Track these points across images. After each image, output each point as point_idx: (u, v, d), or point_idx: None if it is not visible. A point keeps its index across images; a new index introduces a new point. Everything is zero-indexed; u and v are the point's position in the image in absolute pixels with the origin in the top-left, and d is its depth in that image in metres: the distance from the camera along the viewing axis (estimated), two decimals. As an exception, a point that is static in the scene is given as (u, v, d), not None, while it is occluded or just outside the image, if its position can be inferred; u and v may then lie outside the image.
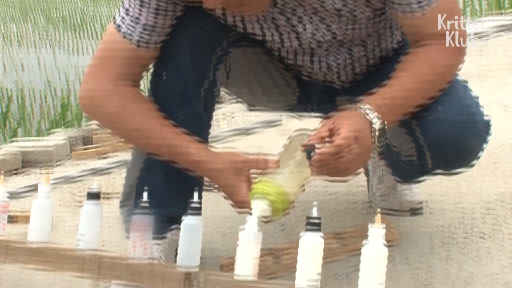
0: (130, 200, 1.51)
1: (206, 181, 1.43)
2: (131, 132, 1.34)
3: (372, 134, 1.24)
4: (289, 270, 1.50)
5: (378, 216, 1.09)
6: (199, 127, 1.41)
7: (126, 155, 2.77)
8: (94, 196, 1.32)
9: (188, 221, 1.23)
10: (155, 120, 1.33)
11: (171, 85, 1.38)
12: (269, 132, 2.99)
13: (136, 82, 1.39)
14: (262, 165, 1.28)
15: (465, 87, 1.41)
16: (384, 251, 1.07)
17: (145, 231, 1.27)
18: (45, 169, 2.72)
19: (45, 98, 5.60)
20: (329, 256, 1.53)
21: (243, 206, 1.29)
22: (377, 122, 1.24)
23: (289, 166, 1.28)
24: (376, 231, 1.08)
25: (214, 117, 1.54)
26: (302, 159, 1.26)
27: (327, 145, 1.21)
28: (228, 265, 1.49)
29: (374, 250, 1.07)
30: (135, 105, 1.34)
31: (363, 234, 1.12)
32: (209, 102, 1.45)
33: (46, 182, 1.35)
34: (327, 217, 1.83)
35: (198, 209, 1.23)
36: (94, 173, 2.51)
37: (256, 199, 1.24)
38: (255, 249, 1.16)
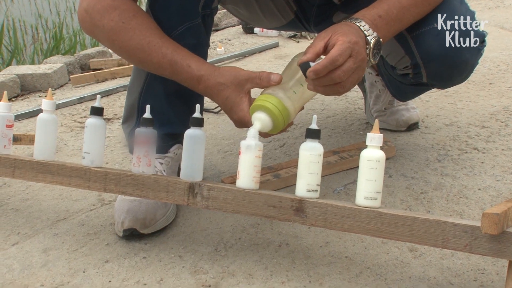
0: (132, 118, 1.52)
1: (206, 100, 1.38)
2: (132, 48, 1.30)
3: (367, 46, 1.22)
4: (289, 184, 1.54)
5: (376, 122, 1.11)
6: (197, 39, 1.39)
7: (125, 80, 2.78)
8: (98, 111, 1.31)
9: (191, 132, 1.23)
10: (156, 36, 1.30)
11: (169, 1, 1.36)
12: (266, 56, 2.98)
13: None
14: (265, 80, 1.26)
15: (462, 1, 1.40)
16: (382, 154, 1.09)
17: (149, 144, 1.27)
18: (45, 95, 2.72)
19: (37, 31, 5.52)
20: (327, 169, 1.56)
21: (243, 122, 1.28)
22: (372, 34, 1.22)
23: (290, 84, 1.26)
24: (374, 136, 1.09)
25: (211, 43, 1.50)
26: (303, 78, 1.24)
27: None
28: (229, 183, 1.50)
29: (372, 154, 1.09)
30: (135, 20, 1.29)
31: (361, 151, 1.13)
32: (207, 18, 1.43)
33: (50, 97, 1.35)
34: (325, 135, 1.85)
35: (200, 121, 1.23)
36: (94, 98, 2.51)
37: (257, 113, 1.23)
38: (256, 157, 1.17)
